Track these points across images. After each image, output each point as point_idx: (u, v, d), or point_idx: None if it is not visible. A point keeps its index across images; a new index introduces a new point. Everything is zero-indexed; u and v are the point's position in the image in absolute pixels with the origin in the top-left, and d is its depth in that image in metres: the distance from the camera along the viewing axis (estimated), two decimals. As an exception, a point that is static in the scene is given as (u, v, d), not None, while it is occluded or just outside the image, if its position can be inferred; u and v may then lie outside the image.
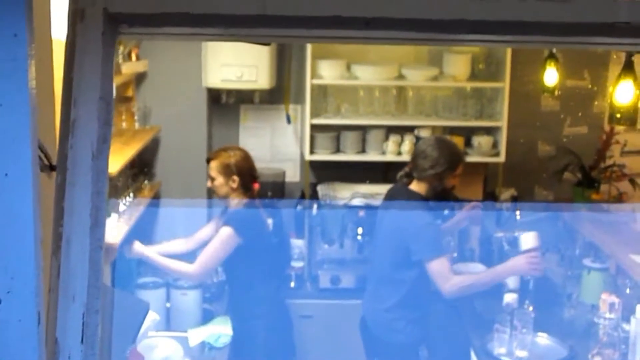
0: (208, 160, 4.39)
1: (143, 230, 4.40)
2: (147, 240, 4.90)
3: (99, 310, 1.20)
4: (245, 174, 4.34)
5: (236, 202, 4.33)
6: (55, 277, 1.23)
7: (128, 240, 4.19)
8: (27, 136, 1.11)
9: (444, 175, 4.20)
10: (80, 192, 1.23)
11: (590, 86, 5.60)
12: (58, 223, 1.23)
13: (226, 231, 4.26)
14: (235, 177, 4.30)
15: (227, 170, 4.29)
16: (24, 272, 1.11)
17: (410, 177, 4.28)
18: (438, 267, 4.11)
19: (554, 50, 4.89)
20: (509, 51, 5.11)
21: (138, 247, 4.27)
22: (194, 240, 4.55)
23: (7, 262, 1.16)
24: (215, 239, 4.30)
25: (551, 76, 4.93)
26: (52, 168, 1.28)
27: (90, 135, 1.24)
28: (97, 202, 1.22)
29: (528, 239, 4.19)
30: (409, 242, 4.16)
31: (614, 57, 5.43)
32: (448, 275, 4.11)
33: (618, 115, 3.74)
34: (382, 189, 4.65)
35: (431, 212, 4.26)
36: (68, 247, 1.22)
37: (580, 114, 5.63)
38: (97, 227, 1.22)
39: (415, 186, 4.26)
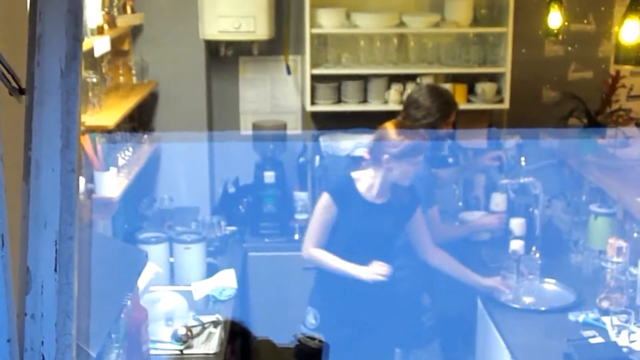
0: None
1: (144, 184, 4.35)
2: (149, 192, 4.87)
3: (74, 237, 1.15)
4: None
5: None
6: (26, 203, 1.17)
7: (128, 194, 4.15)
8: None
9: (436, 124, 4.16)
10: (49, 112, 1.16)
11: (595, 30, 5.49)
12: (27, 146, 1.17)
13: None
14: None
15: None
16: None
17: None
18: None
19: (558, -8, 4.78)
20: (512, -5, 5.00)
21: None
22: None
23: None
24: None
25: (555, 20, 4.83)
26: (22, 92, 1.21)
27: (58, 51, 1.16)
28: (68, 122, 1.16)
29: (499, 201, 4.60)
30: None
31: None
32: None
33: (624, 55, 3.69)
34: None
35: (427, 162, 4.22)
36: (37, 170, 1.16)
37: (585, 59, 5.53)
38: (69, 149, 1.16)
39: None
